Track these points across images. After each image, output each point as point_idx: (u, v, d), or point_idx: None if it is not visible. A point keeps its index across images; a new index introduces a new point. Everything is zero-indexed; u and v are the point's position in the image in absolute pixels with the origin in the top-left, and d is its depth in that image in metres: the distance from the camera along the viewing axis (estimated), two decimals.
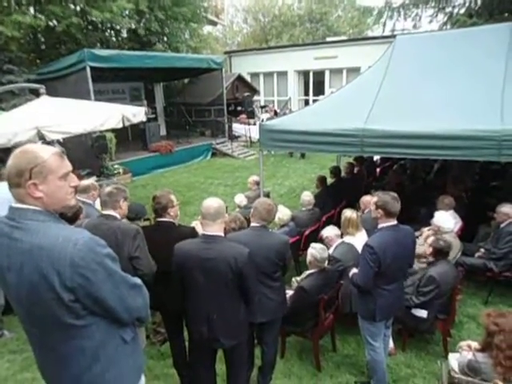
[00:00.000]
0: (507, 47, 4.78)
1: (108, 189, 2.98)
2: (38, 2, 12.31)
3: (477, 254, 4.75)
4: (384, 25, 10.52)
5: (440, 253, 3.58)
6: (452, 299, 3.65)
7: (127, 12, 13.79)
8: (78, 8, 12.86)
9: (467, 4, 9.30)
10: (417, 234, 4.42)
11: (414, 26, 10.09)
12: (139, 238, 2.83)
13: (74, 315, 1.44)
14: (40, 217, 1.44)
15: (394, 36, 6.72)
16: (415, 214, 5.56)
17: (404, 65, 5.36)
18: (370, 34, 28.02)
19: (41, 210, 1.45)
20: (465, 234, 4.92)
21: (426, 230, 4.46)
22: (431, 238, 3.84)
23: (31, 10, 12.33)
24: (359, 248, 3.21)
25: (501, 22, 6.27)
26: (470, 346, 2.73)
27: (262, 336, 3.23)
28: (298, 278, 3.91)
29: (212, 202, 2.55)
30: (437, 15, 9.73)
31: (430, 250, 3.65)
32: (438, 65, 5.08)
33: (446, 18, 9.53)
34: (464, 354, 2.70)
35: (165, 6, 14.40)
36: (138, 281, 1.67)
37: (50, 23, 12.40)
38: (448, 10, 9.56)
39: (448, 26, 9.36)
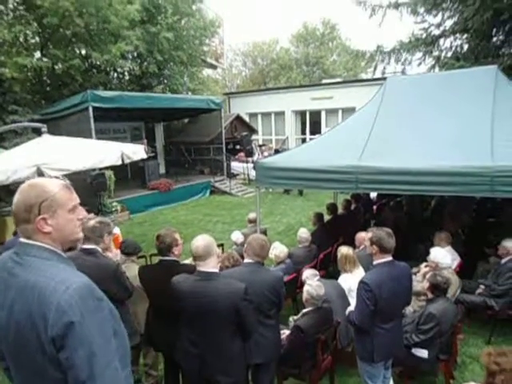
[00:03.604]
0: (493, 88, 4.97)
1: (91, 223, 2.98)
2: (44, 46, 12.91)
3: (477, 291, 4.67)
4: (375, 68, 10.98)
5: (438, 288, 3.52)
6: (453, 338, 3.55)
7: (130, 56, 14.42)
8: (84, 51, 13.48)
9: (453, 48, 9.80)
10: (415, 270, 4.38)
11: (404, 70, 10.53)
12: (119, 273, 2.93)
13: (55, 367, 1.28)
14: (44, 254, 1.37)
15: (385, 78, 7.00)
16: (413, 251, 5.52)
17: (395, 104, 5.54)
18: (364, 76, 29.17)
19: (46, 247, 1.38)
20: (464, 271, 4.87)
21: (423, 267, 4.41)
22: (429, 274, 3.79)
23: (38, 53, 12.90)
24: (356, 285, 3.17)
25: (486, 65, 6.56)
26: None
27: (257, 378, 3.10)
28: (295, 317, 3.82)
29: (199, 242, 2.53)
30: (425, 59, 10.20)
31: (427, 285, 3.60)
32: (428, 104, 5.25)
33: (434, 62, 9.98)
34: None
35: (163, 50, 15.05)
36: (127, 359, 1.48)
37: (56, 66, 12.92)
38: (435, 53, 10.04)
39: (436, 69, 9.78)
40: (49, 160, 5.26)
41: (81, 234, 1.54)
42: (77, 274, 1.39)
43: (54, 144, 6.07)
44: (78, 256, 2.91)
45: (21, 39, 12.24)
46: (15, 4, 12.39)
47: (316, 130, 19.56)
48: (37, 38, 12.88)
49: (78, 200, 1.51)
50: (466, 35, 9.55)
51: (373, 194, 9.08)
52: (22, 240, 1.40)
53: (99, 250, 2.97)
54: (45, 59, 12.58)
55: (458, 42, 9.85)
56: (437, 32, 10.07)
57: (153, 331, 3.17)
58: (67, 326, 1.24)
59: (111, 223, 3.12)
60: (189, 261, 4.32)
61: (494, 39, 9.26)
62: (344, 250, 4.29)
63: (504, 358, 2.26)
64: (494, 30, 9.10)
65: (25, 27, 11.48)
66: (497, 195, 4.01)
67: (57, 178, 4.49)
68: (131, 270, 3.49)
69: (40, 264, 1.35)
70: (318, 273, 4.18)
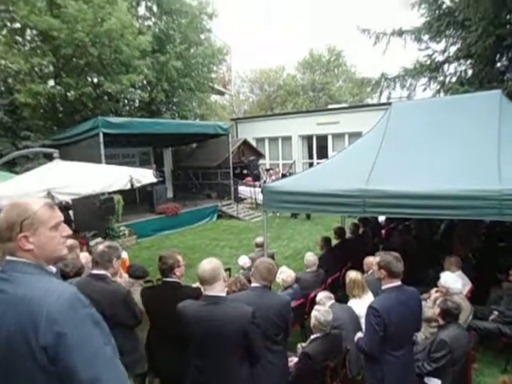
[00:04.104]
0: (498, 112, 5.01)
1: (100, 248, 2.99)
2: (58, 74, 13.39)
3: (490, 318, 4.54)
4: (380, 93, 11.14)
5: (449, 314, 3.43)
6: (467, 367, 3.44)
7: (140, 84, 14.86)
8: (96, 80, 13.94)
9: (458, 73, 9.93)
10: (425, 296, 4.29)
11: (409, 95, 10.67)
12: (129, 298, 2.90)
13: (45, 374, 1.29)
14: (29, 269, 1.40)
15: (391, 103, 7.09)
16: (423, 275, 5.43)
17: (401, 128, 5.59)
18: (369, 101, 29.56)
19: (30, 263, 1.41)
20: (476, 297, 4.75)
21: (433, 292, 4.32)
22: (439, 300, 3.71)
23: (51, 81, 13.37)
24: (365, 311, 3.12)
25: (490, 89, 6.63)
26: None
27: None
28: (304, 344, 3.74)
29: (206, 266, 2.51)
30: (430, 84, 10.34)
31: (438, 311, 3.52)
32: (433, 128, 5.29)
33: (438, 87, 10.11)
34: None
35: (172, 78, 15.47)
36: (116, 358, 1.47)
37: (68, 94, 13.34)
38: (440, 79, 10.18)
39: (441, 94, 9.90)
40: (59, 184, 5.35)
41: (65, 251, 1.54)
42: (64, 284, 1.43)
43: (64, 169, 6.19)
44: (88, 282, 2.91)
45: (36, 69, 12.72)
46: (32, 35, 12.96)
47: (323, 154, 19.66)
48: (51, 67, 13.38)
49: (61, 217, 1.53)
50: (469, 61, 9.70)
51: (381, 218, 9.01)
52: (8, 257, 1.43)
53: (109, 275, 2.97)
54: (58, 87, 13.03)
55: (463, 67, 9.99)
56: (441, 58, 10.25)
57: (156, 355, 3.12)
58: (59, 335, 1.26)
59: (120, 248, 3.14)
60: (196, 285, 4.31)
61: (498, 64, 9.38)
62: (352, 274, 4.24)
63: None
64: (498, 55, 9.23)
65: (41, 58, 11.94)
66: (506, 219, 3.97)
67: (67, 202, 4.56)
68: (138, 294, 3.47)
69: (28, 279, 1.38)
70: (332, 296, 4.11)
